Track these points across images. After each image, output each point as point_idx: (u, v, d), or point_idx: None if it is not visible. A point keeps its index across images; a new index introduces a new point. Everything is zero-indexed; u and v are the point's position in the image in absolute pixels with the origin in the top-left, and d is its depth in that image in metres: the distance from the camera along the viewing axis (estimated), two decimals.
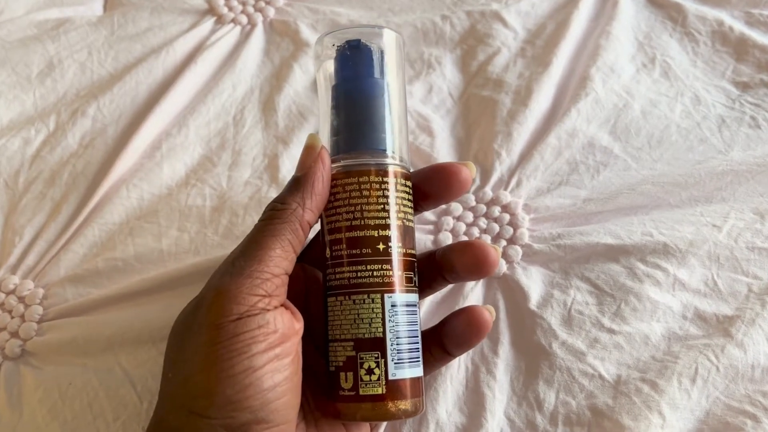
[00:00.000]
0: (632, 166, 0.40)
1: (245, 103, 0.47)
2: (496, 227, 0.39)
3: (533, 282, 0.36)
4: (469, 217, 0.40)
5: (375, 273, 0.28)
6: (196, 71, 0.48)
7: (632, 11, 0.48)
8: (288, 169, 0.43)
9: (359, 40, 0.30)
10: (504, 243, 0.38)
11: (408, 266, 0.29)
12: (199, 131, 0.45)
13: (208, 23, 0.52)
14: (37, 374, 0.36)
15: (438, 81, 0.46)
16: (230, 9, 0.52)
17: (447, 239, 0.39)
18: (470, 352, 0.34)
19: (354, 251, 0.28)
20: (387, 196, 0.29)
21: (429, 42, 0.49)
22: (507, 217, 0.39)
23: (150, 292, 0.38)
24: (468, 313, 0.30)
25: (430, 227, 0.40)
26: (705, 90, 0.43)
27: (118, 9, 0.53)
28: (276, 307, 0.26)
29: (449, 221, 0.39)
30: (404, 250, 0.29)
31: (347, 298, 0.28)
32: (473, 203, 0.40)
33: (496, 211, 0.39)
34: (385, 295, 0.28)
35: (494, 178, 0.40)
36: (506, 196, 0.39)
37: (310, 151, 0.29)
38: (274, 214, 0.28)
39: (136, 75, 0.48)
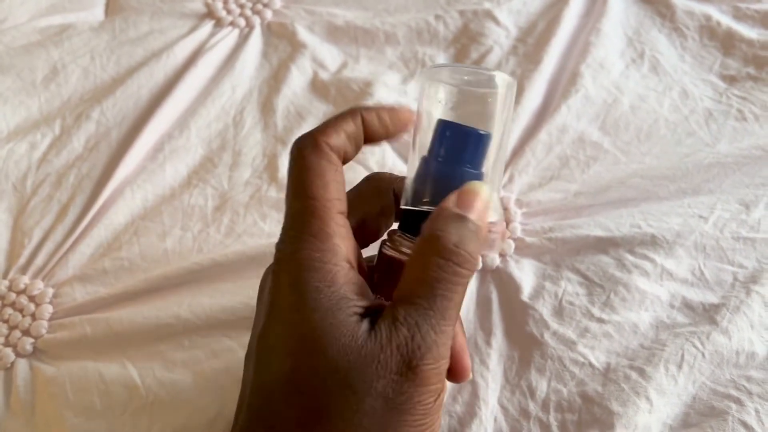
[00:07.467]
0: (621, 160, 0.41)
1: (244, 105, 0.48)
2: None
3: (525, 274, 0.37)
4: None
5: None
6: (196, 74, 0.49)
7: (621, 7, 0.49)
8: (286, 168, 0.44)
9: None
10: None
11: None
12: (200, 133, 0.46)
13: (207, 26, 0.53)
14: (49, 370, 0.37)
15: None
16: (228, 12, 0.53)
17: None
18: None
19: None
20: None
21: (423, 41, 0.50)
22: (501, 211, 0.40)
23: (155, 290, 0.39)
24: None
25: None
26: (693, 84, 0.44)
27: (119, 14, 0.55)
28: None
29: None
30: None
31: None
32: None
33: None
34: None
35: None
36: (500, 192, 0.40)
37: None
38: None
39: (138, 79, 0.49)
